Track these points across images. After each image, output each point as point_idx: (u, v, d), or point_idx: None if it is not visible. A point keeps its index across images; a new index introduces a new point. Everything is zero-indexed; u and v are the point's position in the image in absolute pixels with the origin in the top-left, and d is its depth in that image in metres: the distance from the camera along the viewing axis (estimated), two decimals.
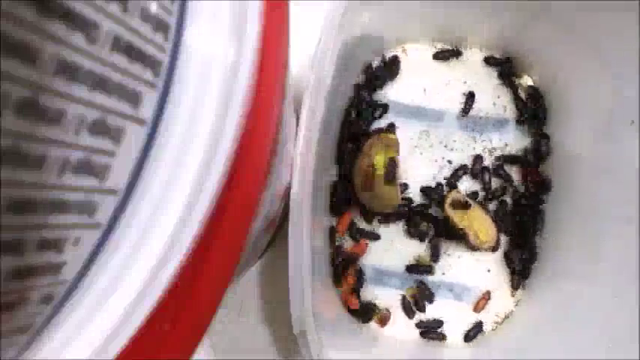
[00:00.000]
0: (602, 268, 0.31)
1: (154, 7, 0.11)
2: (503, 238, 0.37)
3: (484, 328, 0.36)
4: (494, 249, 0.36)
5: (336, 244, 0.35)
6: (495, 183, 0.37)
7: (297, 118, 0.26)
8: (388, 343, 0.35)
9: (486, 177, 0.36)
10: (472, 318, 0.36)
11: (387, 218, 0.36)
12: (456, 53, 0.37)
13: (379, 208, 0.35)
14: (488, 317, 0.36)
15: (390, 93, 0.37)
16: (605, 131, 0.32)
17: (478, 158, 0.37)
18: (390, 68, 0.37)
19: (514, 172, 0.37)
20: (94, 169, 0.10)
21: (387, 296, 0.36)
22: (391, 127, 0.37)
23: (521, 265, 0.36)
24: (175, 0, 0.12)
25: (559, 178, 0.36)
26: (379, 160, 0.33)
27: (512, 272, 0.36)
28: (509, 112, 0.38)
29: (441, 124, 0.37)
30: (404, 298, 0.36)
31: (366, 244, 0.36)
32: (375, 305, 0.36)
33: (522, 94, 0.38)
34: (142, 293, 0.11)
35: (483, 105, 0.37)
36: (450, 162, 0.37)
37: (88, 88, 0.10)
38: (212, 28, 0.12)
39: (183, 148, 0.11)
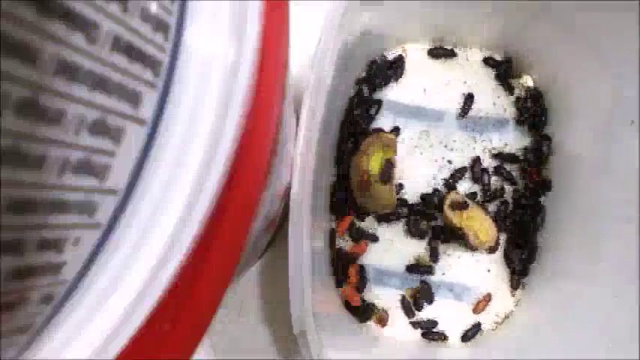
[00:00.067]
0: (602, 268, 0.31)
1: (154, 7, 0.11)
2: (503, 238, 0.37)
3: (483, 328, 0.36)
4: (493, 250, 0.36)
5: (337, 245, 0.35)
6: (495, 183, 0.37)
7: (297, 118, 0.26)
8: (388, 343, 0.35)
9: (485, 178, 0.36)
10: (472, 318, 0.36)
11: (383, 218, 0.36)
12: (450, 53, 0.37)
13: (374, 208, 0.35)
14: (488, 317, 0.36)
15: (390, 93, 0.37)
16: (605, 131, 0.32)
17: (477, 160, 0.37)
18: (395, 68, 0.37)
19: (514, 172, 0.37)
20: (94, 169, 0.10)
21: (387, 296, 0.36)
22: (395, 130, 0.37)
23: (521, 265, 0.36)
24: (175, 0, 0.12)
25: (559, 178, 0.36)
26: (376, 159, 0.33)
27: (512, 272, 0.36)
28: (509, 112, 0.38)
29: (441, 124, 0.37)
30: (403, 298, 0.36)
31: (366, 244, 0.36)
32: (374, 305, 0.36)
33: (521, 94, 0.38)
34: (142, 293, 0.11)
35: (483, 105, 0.37)
36: (450, 162, 0.37)
37: (88, 88, 0.10)
38: (212, 28, 0.12)
39: (183, 148, 0.11)
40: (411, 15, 0.35)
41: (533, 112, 0.37)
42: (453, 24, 0.36)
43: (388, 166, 0.32)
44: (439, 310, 0.36)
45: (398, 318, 0.36)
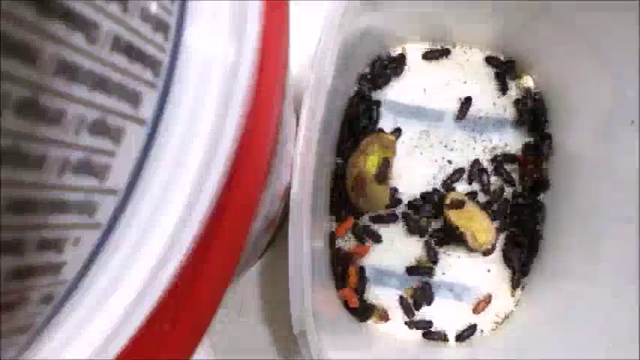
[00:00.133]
0: (602, 268, 0.31)
1: (154, 7, 0.11)
2: (502, 239, 0.37)
3: (484, 328, 0.36)
4: (488, 252, 0.36)
5: (337, 246, 0.35)
6: (495, 183, 0.37)
7: (297, 118, 0.26)
8: (388, 343, 0.35)
9: (485, 178, 0.36)
10: (471, 319, 0.36)
11: (377, 219, 0.36)
12: (444, 52, 0.37)
13: (367, 207, 0.35)
14: (488, 317, 0.36)
15: (390, 93, 0.37)
16: (605, 131, 0.32)
17: (476, 163, 0.37)
18: (395, 66, 0.37)
19: (513, 174, 0.37)
20: (94, 169, 0.10)
21: (387, 296, 0.36)
22: (397, 131, 0.37)
23: (520, 264, 0.36)
24: (175, 0, 0.12)
25: (559, 178, 0.36)
26: (373, 159, 0.33)
27: (513, 272, 0.36)
28: (509, 112, 0.38)
29: (441, 124, 0.37)
30: (402, 298, 0.36)
31: (369, 245, 0.36)
32: (373, 305, 0.36)
33: (521, 95, 0.38)
34: (142, 293, 0.11)
35: (483, 105, 0.37)
36: (450, 162, 0.37)
37: (88, 88, 0.10)
38: (212, 28, 0.12)
39: (183, 148, 0.11)
40: (411, 15, 0.35)
41: (533, 112, 0.37)
42: (453, 24, 0.36)
43: (385, 166, 0.32)
44: (439, 310, 0.36)
45: (398, 318, 0.36)
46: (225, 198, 0.12)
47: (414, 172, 0.37)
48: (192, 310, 0.12)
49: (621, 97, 0.30)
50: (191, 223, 0.11)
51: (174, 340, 0.12)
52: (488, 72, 0.38)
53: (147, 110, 0.11)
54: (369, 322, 0.35)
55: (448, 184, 0.36)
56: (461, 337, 0.35)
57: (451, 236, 0.35)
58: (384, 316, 0.35)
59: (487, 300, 0.36)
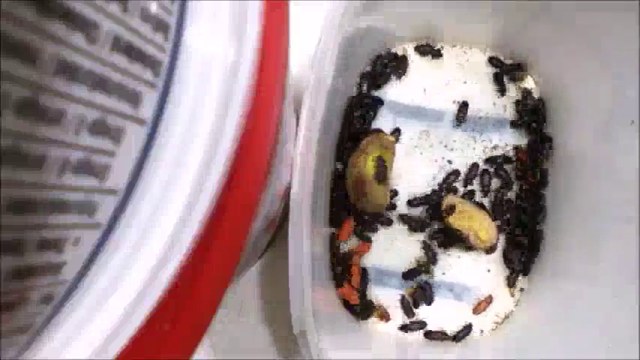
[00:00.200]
0: (602, 268, 0.31)
1: (154, 7, 0.11)
2: (502, 239, 0.37)
3: (484, 328, 0.36)
4: (492, 249, 0.36)
5: (338, 248, 0.35)
6: (495, 183, 0.37)
7: (297, 118, 0.26)
8: (388, 343, 0.35)
9: (486, 180, 0.36)
10: (472, 319, 0.36)
11: (375, 220, 0.36)
12: (436, 53, 0.37)
13: (367, 207, 0.35)
14: (488, 317, 0.36)
15: (390, 93, 0.37)
16: (605, 131, 0.32)
17: (474, 166, 0.37)
18: (399, 66, 0.37)
19: (513, 170, 0.37)
20: (94, 169, 0.10)
21: (387, 296, 0.36)
22: (396, 132, 0.37)
23: (521, 264, 0.36)
24: (175, 0, 0.12)
25: (559, 178, 0.36)
26: (373, 159, 0.33)
27: (512, 271, 0.36)
28: (509, 112, 0.38)
29: (441, 124, 0.37)
30: (403, 297, 0.36)
31: (369, 247, 0.36)
32: (374, 305, 0.36)
33: (521, 96, 0.38)
34: (142, 293, 0.11)
35: (483, 105, 0.37)
36: (450, 162, 0.37)
37: (88, 88, 0.10)
38: (212, 28, 0.12)
39: (183, 148, 0.11)
40: (411, 15, 0.35)
41: (533, 112, 0.37)
42: (453, 24, 0.36)
43: (382, 165, 0.32)
44: (439, 310, 0.36)
45: (398, 318, 0.36)
46: (225, 198, 0.12)
47: (414, 172, 0.37)
48: (192, 310, 0.12)
49: (621, 97, 0.30)
50: (191, 223, 0.11)
51: (174, 340, 0.12)
52: (489, 72, 0.38)
53: (147, 110, 0.11)
54: (369, 322, 0.35)
55: (444, 186, 0.36)
56: (457, 338, 0.35)
57: (452, 237, 0.35)
58: (385, 316, 0.35)
59: (488, 300, 0.36)
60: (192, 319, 0.12)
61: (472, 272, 0.36)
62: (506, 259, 0.36)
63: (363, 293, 0.35)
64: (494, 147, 0.37)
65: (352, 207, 0.35)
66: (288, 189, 0.25)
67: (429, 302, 0.36)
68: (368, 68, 0.37)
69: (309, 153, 0.25)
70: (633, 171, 0.29)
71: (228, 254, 0.13)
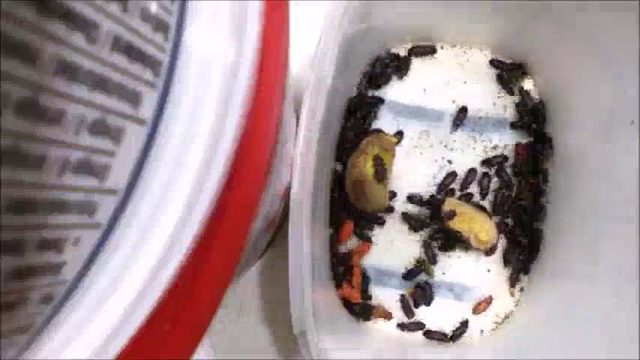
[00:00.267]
0: (602, 268, 0.31)
1: (154, 7, 0.11)
2: (503, 239, 0.37)
3: (484, 328, 0.36)
4: (491, 250, 0.36)
5: (338, 248, 0.35)
6: (494, 184, 0.37)
7: (297, 118, 0.26)
8: (388, 343, 0.35)
9: (485, 182, 0.36)
10: (472, 319, 0.36)
11: (373, 220, 0.36)
12: (430, 50, 0.37)
13: (367, 207, 0.35)
14: (488, 317, 0.36)
15: (390, 93, 0.37)
16: (605, 131, 0.32)
17: (472, 171, 0.37)
18: (401, 66, 0.37)
19: (511, 166, 0.37)
20: (94, 169, 0.10)
21: (387, 296, 0.36)
22: (398, 134, 0.37)
23: (520, 264, 0.36)
24: (175, 0, 0.12)
25: (559, 178, 0.36)
26: (372, 158, 0.33)
27: (512, 271, 0.36)
28: (509, 112, 0.38)
29: (441, 124, 0.37)
30: (403, 297, 0.36)
31: (369, 246, 0.36)
32: (374, 305, 0.36)
33: (522, 97, 0.38)
34: (142, 293, 0.11)
35: (483, 105, 0.37)
36: (450, 162, 0.37)
37: (88, 88, 0.10)
38: (212, 28, 0.12)
39: (183, 148, 0.11)
40: (412, 15, 0.35)
41: (533, 112, 0.37)
42: (453, 24, 0.36)
43: (380, 165, 0.32)
44: (439, 310, 0.36)
45: (398, 318, 0.36)
46: (225, 198, 0.12)
47: (414, 172, 0.37)
48: (192, 310, 0.12)
49: (621, 97, 0.30)
50: (191, 223, 0.11)
51: (174, 340, 0.12)
52: (489, 72, 0.38)
53: (147, 110, 0.11)
54: (369, 322, 0.35)
55: (442, 187, 0.36)
56: (454, 336, 0.35)
57: (451, 239, 0.35)
58: (387, 315, 0.35)
59: (488, 301, 0.36)
60: (192, 319, 0.12)
61: (472, 272, 0.36)
62: (506, 259, 0.36)
63: (363, 293, 0.35)
64: (494, 147, 0.37)
65: (352, 207, 0.35)
66: (288, 189, 0.25)
67: (429, 302, 0.36)
68: (368, 68, 0.37)
69: (309, 153, 0.25)
70: (633, 171, 0.29)
71: (228, 254, 0.13)
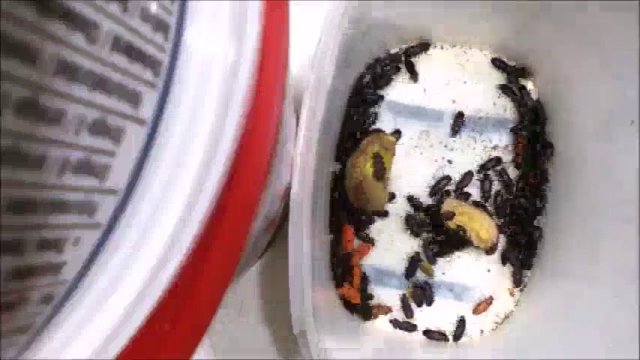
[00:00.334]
0: (602, 268, 0.31)
1: (154, 7, 0.11)
2: (503, 239, 0.37)
3: (484, 328, 0.36)
4: (492, 249, 0.36)
5: (338, 249, 0.35)
6: (495, 185, 0.37)
7: (297, 118, 0.26)
8: (388, 343, 0.35)
9: (487, 185, 0.36)
10: (472, 319, 0.36)
11: (373, 220, 0.36)
12: (423, 47, 0.37)
13: (367, 207, 0.35)
14: (488, 317, 0.36)
15: (391, 93, 0.37)
16: (605, 131, 0.32)
17: (468, 174, 0.37)
18: (401, 68, 0.37)
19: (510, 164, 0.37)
20: (94, 169, 0.10)
21: (387, 296, 0.36)
22: (397, 133, 0.37)
23: (518, 262, 0.36)
24: (175, 0, 0.12)
25: (559, 178, 0.36)
26: (371, 156, 0.33)
27: (515, 270, 0.36)
28: (510, 112, 0.38)
29: (441, 124, 0.37)
30: (404, 297, 0.36)
31: (368, 247, 0.36)
32: (374, 305, 0.36)
33: (522, 98, 0.38)
34: (142, 293, 0.11)
35: (483, 105, 0.37)
36: (450, 162, 0.37)
37: (88, 88, 0.10)
38: (212, 28, 0.12)
39: (183, 148, 0.11)
40: (411, 15, 0.35)
41: (533, 112, 0.37)
42: (453, 24, 0.36)
43: (379, 162, 0.32)
44: (439, 310, 0.36)
45: (398, 318, 0.36)
46: (225, 198, 0.12)
47: (414, 172, 0.37)
48: (192, 310, 0.12)
49: (621, 97, 0.30)
50: (191, 223, 0.11)
51: (174, 340, 0.12)
52: (489, 72, 0.38)
53: (147, 110, 0.11)
54: (369, 321, 0.35)
55: (435, 191, 0.36)
56: (455, 336, 0.35)
57: (451, 241, 0.35)
58: (387, 310, 0.35)
59: (488, 302, 0.36)
60: (192, 319, 0.12)
61: (472, 272, 0.36)
62: (504, 257, 0.36)
63: (363, 293, 0.35)
64: (495, 147, 0.37)
65: (352, 207, 0.35)
66: (288, 189, 0.25)
67: (429, 302, 0.36)
68: (368, 69, 0.37)
69: (309, 153, 0.25)
70: (633, 171, 0.29)
71: (228, 254, 0.13)
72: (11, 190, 0.09)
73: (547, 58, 0.36)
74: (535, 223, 0.36)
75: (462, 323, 0.36)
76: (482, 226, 0.34)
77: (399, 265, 0.36)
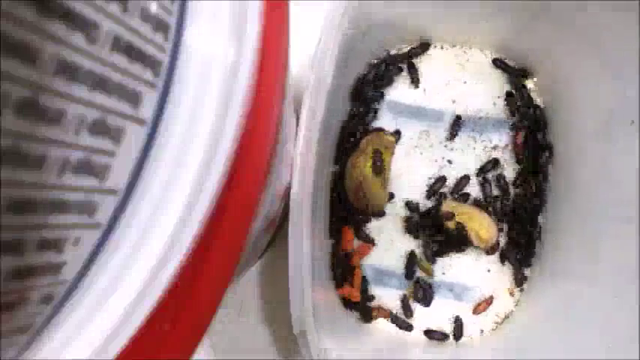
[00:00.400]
0: (602, 268, 0.31)
1: (154, 7, 0.11)
2: (503, 239, 0.37)
3: (484, 328, 0.36)
4: (492, 249, 0.36)
5: (338, 249, 0.35)
6: (494, 181, 0.37)
7: (297, 118, 0.26)
8: (388, 343, 0.35)
9: (487, 188, 0.36)
10: (472, 319, 0.36)
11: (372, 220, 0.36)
12: (423, 47, 0.37)
13: (367, 207, 0.35)
14: (488, 317, 0.36)
15: (391, 93, 0.37)
16: (605, 131, 0.32)
17: (465, 178, 0.36)
18: (400, 67, 0.37)
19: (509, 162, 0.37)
20: (94, 169, 0.10)
21: (387, 296, 0.36)
22: (396, 133, 0.37)
23: (519, 264, 0.36)
24: (175, 0, 0.12)
25: (559, 178, 0.36)
26: (370, 152, 0.33)
27: (516, 270, 0.36)
28: (509, 112, 0.38)
29: (440, 124, 0.37)
30: (404, 297, 0.36)
31: (369, 247, 0.36)
32: (373, 306, 0.36)
33: (523, 99, 0.37)
34: (142, 293, 0.11)
35: (483, 105, 0.37)
36: (450, 162, 0.37)
37: (88, 88, 0.10)
38: (212, 28, 0.12)
39: (183, 148, 0.11)
40: (411, 15, 0.35)
41: (533, 112, 0.37)
42: (453, 24, 0.36)
43: (379, 158, 0.32)
44: (439, 310, 0.36)
45: (398, 318, 0.36)
46: (225, 198, 0.12)
47: (414, 172, 0.37)
48: (192, 310, 0.12)
49: (621, 97, 0.30)
50: (191, 223, 0.11)
51: (174, 340, 0.12)
52: (489, 72, 0.38)
53: (147, 110, 0.11)
54: (370, 322, 0.35)
55: (431, 193, 0.36)
56: (455, 336, 0.35)
57: (451, 243, 0.35)
58: (387, 315, 0.35)
59: (489, 302, 0.36)
60: (192, 319, 0.12)
61: (472, 272, 0.36)
62: (504, 257, 0.36)
63: (363, 294, 0.35)
64: (495, 147, 0.37)
65: (352, 207, 0.35)
66: (288, 189, 0.25)
67: (429, 302, 0.36)
68: (367, 70, 0.37)
69: (309, 153, 0.25)
70: (633, 171, 0.29)
71: (228, 254, 0.13)
72: (11, 190, 0.09)
73: (547, 58, 0.36)
74: (535, 222, 0.36)
75: (458, 322, 0.35)
76: (481, 225, 0.34)
77: (399, 265, 0.36)
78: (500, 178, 0.37)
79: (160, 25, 0.11)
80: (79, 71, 0.09)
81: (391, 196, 0.36)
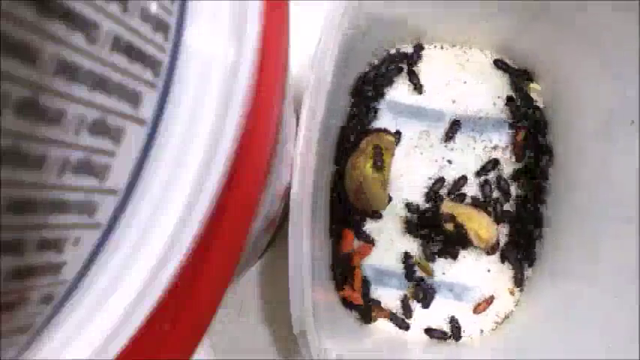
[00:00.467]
0: (602, 268, 0.31)
1: (154, 7, 0.11)
2: (502, 241, 0.37)
3: (484, 328, 0.36)
4: (493, 249, 0.36)
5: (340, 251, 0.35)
6: (494, 181, 0.37)
7: (297, 118, 0.26)
8: (388, 343, 0.35)
9: (487, 189, 0.36)
10: (472, 319, 0.36)
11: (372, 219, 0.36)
12: (418, 48, 0.37)
13: (367, 207, 0.35)
14: (488, 317, 0.36)
15: (391, 93, 0.37)
16: (605, 131, 0.32)
17: (462, 179, 0.36)
18: (416, 81, 0.37)
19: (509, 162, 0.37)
20: (94, 169, 0.10)
21: (387, 296, 0.36)
22: (397, 134, 0.37)
23: (519, 264, 0.36)
24: (175, 0, 0.12)
25: (559, 179, 0.36)
26: (371, 149, 0.33)
27: (516, 270, 0.36)
28: (509, 113, 0.38)
29: (440, 124, 0.37)
30: (405, 297, 0.36)
31: (370, 248, 0.36)
32: (374, 306, 0.36)
33: (522, 97, 0.38)
34: (142, 293, 0.11)
35: (483, 105, 0.37)
36: (450, 162, 0.37)
37: (88, 88, 0.10)
38: (212, 28, 0.12)
39: (183, 148, 0.11)
40: (411, 15, 0.35)
41: (533, 112, 0.37)
42: (453, 24, 0.36)
43: (379, 153, 0.32)
44: (439, 310, 0.36)
45: (398, 317, 0.36)
46: (225, 198, 0.12)
47: (414, 172, 0.37)
48: (192, 310, 0.12)
49: (621, 97, 0.30)
50: (191, 223, 0.11)
51: (174, 340, 0.12)
52: (489, 72, 0.38)
53: (147, 110, 0.11)
54: (370, 322, 0.35)
55: (430, 195, 0.36)
56: (454, 336, 0.35)
57: (451, 243, 0.35)
58: (388, 315, 0.35)
59: (489, 301, 0.36)
60: (192, 319, 0.12)
61: (472, 272, 0.36)
62: (504, 257, 0.36)
63: (365, 297, 0.35)
64: (495, 147, 0.37)
65: (352, 207, 0.35)
66: (288, 189, 0.25)
67: (430, 302, 0.36)
68: (367, 69, 0.37)
69: (309, 153, 0.25)
70: (633, 171, 0.29)
71: (228, 254, 0.13)
72: (11, 190, 0.09)
73: (547, 58, 0.36)
74: (534, 222, 0.36)
75: (454, 323, 0.35)
76: (481, 225, 0.34)
77: (399, 265, 0.36)
78: (500, 178, 0.37)
79: (160, 25, 0.11)
80: (79, 71, 0.09)
81: (390, 199, 0.36)
